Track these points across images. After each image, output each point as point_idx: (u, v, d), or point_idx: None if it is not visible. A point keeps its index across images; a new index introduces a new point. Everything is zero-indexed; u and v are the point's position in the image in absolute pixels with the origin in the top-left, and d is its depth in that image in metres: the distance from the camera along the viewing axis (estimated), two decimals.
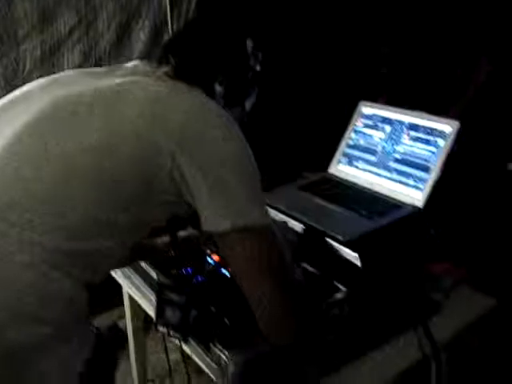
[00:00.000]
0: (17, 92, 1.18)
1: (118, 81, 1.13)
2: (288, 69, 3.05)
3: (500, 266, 2.09)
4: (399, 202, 1.64)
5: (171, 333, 1.29)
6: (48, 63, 2.57)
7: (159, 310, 1.31)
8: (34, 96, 1.14)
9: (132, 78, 1.16)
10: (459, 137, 1.58)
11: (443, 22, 2.89)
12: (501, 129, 2.49)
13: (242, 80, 1.26)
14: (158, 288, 1.33)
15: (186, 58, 1.23)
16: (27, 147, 1.03)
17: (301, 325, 1.14)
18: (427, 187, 1.59)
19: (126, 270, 1.61)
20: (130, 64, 1.24)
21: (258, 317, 1.10)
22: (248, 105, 1.32)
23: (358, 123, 1.89)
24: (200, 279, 1.42)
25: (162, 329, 1.30)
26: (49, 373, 1.00)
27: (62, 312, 1.02)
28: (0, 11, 2.38)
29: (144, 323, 2.05)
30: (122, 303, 2.02)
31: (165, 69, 1.21)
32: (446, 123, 1.62)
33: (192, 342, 1.29)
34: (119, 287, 1.88)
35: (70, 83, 1.16)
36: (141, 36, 2.81)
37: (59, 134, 1.04)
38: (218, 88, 1.22)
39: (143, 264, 1.54)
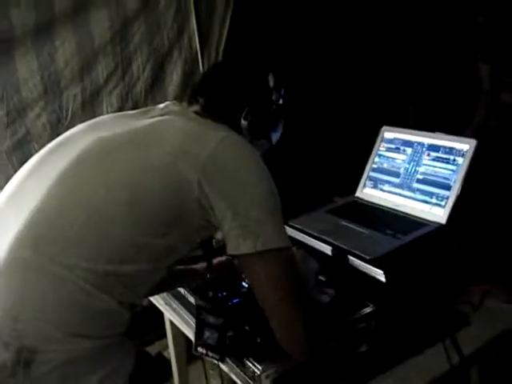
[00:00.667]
0: (61, 137, 1.31)
1: (151, 121, 1.25)
2: (312, 100, 3.14)
3: None
4: (423, 219, 1.70)
5: (209, 353, 1.36)
6: (89, 109, 2.72)
7: (198, 332, 1.39)
8: (77, 140, 1.25)
9: (163, 117, 1.27)
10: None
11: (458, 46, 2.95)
12: None
13: (265, 114, 1.35)
14: (196, 311, 1.41)
15: (212, 97, 1.35)
16: (68, 187, 1.15)
17: (314, 340, 1.22)
18: (449, 204, 1.65)
19: (166, 297, 1.70)
20: (161, 105, 1.34)
21: (275, 331, 1.19)
22: (274, 137, 1.41)
23: (381, 147, 1.96)
24: (235, 301, 1.51)
25: (200, 349, 1.38)
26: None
27: (106, 329, 1.13)
28: (44, 65, 2.55)
29: (187, 352, 2.12)
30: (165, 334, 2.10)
31: (194, 108, 1.34)
32: (463, 142, 1.68)
33: (228, 360, 1.37)
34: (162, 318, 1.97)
35: (107, 126, 1.28)
36: (174, 77, 2.93)
37: (98, 172, 1.16)
38: (244, 122, 1.31)
39: (182, 290, 1.64)
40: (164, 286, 1.52)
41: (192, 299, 1.58)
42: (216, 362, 1.37)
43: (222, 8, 2.97)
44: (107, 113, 2.69)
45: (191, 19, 2.90)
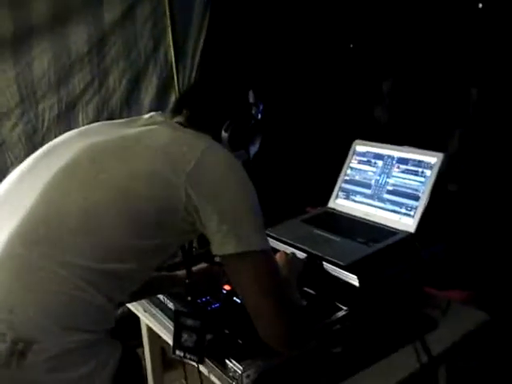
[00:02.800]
0: (56, 140, 1.36)
1: (139, 129, 1.32)
2: (288, 114, 3.23)
3: (492, 282, 2.20)
4: (393, 228, 1.78)
5: (187, 356, 1.42)
6: (65, 120, 2.75)
7: (176, 335, 1.44)
8: (71, 144, 1.30)
9: (149, 127, 1.33)
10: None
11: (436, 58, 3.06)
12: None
13: (245, 128, 1.43)
14: (174, 314, 1.47)
15: (197, 109, 1.42)
16: (62, 189, 1.20)
17: (298, 334, 1.28)
18: (417, 214, 1.74)
19: (145, 303, 1.74)
20: (147, 116, 1.41)
21: (259, 329, 1.24)
22: (252, 150, 1.50)
23: (353, 160, 2.05)
24: (214, 306, 1.57)
25: (178, 352, 1.43)
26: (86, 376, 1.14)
27: (96, 323, 1.18)
28: (22, 75, 2.57)
29: (162, 360, 2.15)
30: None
31: (177, 119, 1.41)
32: (431, 155, 1.78)
33: (208, 362, 1.41)
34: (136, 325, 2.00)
35: (99, 132, 1.34)
36: (149, 90, 2.98)
37: (90, 176, 1.20)
38: (224, 134, 1.39)
39: (161, 297, 1.68)
40: (146, 292, 1.57)
41: (171, 305, 1.62)
42: (195, 364, 1.42)
43: (198, 22, 3.03)
44: (83, 124, 2.72)
45: (167, 33, 2.96)
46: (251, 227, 1.22)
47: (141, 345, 2.09)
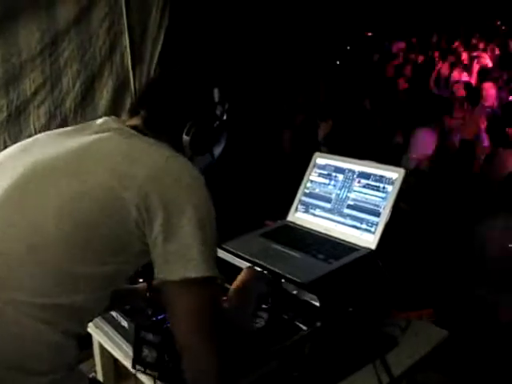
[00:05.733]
0: None
1: (87, 140, 1.20)
2: (252, 118, 3.19)
3: (450, 299, 2.21)
4: (353, 245, 1.74)
5: (148, 371, 1.37)
6: (15, 122, 2.62)
7: (136, 349, 1.38)
8: (14, 163, 1.21)
9: (101, 135, 1.22)
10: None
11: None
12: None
13: (208, 129, 1.32)
14: (135, 329, 1.40)
15: (155, 110, 1.30)
16: (5, 219, 1.11)
17: (226, 377, 1.19)
18: (378, 230, 1.71)
19: (97, 320, 1.66)
20: (99, 121, 1.30)
21: (186, 363, 1.16)
22: (216, 151, 1.39)
23: (313, 173, 2.00)
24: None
25: (138, 367, 1.38)
26: None
27: (54, 362, 1.09)
28: None
29: (114, 375, 2.08)
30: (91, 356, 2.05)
31: (134, 121, 1.30)
32: (392, 170, 1.75)
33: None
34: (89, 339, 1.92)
35: (43, 147, 1.23)
36: (104, 93, 2.90)
37: (34, 203, 1.12)
38: (186, 138, 1.28)
39: (114, 313, 1.60)
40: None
41: (125, 323, 1.55)
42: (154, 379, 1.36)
43: (156, 25, 2.97)
44: (34, 127, 2.62)
45: (124, 36, 2.88)
46: (200, 252, 1.12)
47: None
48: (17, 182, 1.14)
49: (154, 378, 1.35)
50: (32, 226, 1.09)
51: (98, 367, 2.05)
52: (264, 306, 1.55)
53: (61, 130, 1.35)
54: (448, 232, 2.43)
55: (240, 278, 1.50)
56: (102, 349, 1.92)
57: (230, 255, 1.76)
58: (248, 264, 1.68)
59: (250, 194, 2.94)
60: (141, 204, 1.10)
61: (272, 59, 3.28)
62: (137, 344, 1.38)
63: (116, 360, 1.98)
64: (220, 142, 1.38)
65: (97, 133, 1.24)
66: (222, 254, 1.77)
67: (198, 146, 1.30)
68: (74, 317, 1.12)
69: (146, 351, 1.38)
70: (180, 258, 1.10)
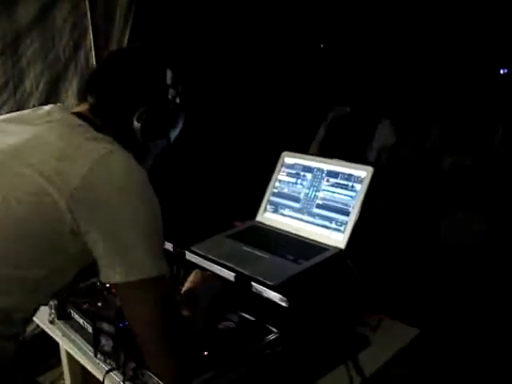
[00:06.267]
0: None
1: (26, 136, 1.15)
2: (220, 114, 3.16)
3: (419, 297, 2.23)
4: (323, 244, 1.73)
5: (107, 360, 1.39)
6: None
7: (95, 339, 1.40)
8: None
9: (40, 129, 1.17)
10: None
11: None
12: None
13: (161, 115, 1.26)
14: (91, 319, 1.42)
15: (101, 95, 1.24)
16: None
17: (187, 374, 1.20)
18: (348, 229, 1.69)
19: (63, 328, 1.62)
20: (44, 109, 1.24)
21: (147, 361, 1.18)
22: (173, 134, 1.34)
23: (282, 172, 1.98)
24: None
25: (99, 356, 1.40)
26: None
27: None
28: None
29: (84, 381, 2.04)
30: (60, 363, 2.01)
31: (81, 108, 1.24)
32: (361, 169, 1.74)
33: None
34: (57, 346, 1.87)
35: None
36: (69, 94, 2.84)
37: None
38: (137, 125, 1.22)
39: (81, 321, 1.56)
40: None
41: (90, 328, 1.51)
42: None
43: (121, 24, 2.91)
44: None
45: (88, 35, 2.82)
46: (143, 253, 1.09)
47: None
48: None
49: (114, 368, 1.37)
50: None
51: (66, 375, 2.00)
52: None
53: (7, 116, 1.29)
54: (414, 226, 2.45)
55: (189, 280, 1.50)
56: (70, 357, 1.87)
57: (198, 257, 1.72)
58: (216, 266, 1.66)
59: (218, 194, 2.91)
60: (74, 209, 1.06)
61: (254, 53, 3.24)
62: (95, 334, 1.39)
63: (84, 368, 1.96)
64: (176, 126, 1.33)
65: (37, 125, 1.19)
66: (190, 256, 1.75)
67: (150, 132, 1.25)
68: (3, 319, 1.11)
69: (103, 341, 1.39)
70: (121, 263, 1.08)
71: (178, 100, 1.30)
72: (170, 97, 1.27)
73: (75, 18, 2.77)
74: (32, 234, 1.07)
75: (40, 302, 1.22)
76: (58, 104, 1.27)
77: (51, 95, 2.77)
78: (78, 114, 1.22)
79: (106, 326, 1.37)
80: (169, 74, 1.27)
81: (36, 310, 1.24)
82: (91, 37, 2.82)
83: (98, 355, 1.41)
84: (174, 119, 1.30)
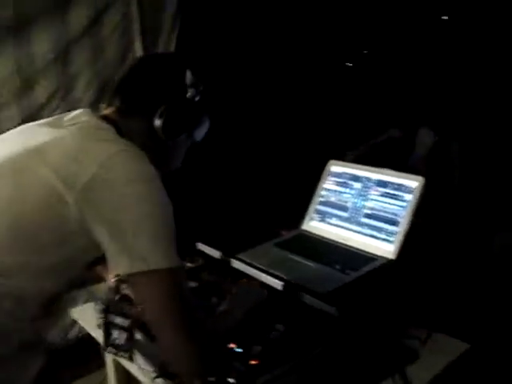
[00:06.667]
0: None
1: (52, 136, 1.22)
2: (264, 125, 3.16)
3: (471, 312, 2.17)
4: (371, 254, 1.71)
5: (119, 353, 1.44)
6: None
7: (106, 333, 1.46)
8: None
9: (66, 130, 1.24)
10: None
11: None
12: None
13: (180, 111, 1.31)
14: (104, 312, 1.48)
15: (125, 97, 1.32)
16: None
17: (206, 363, 1.22)
18: (397, 240, 1.67)
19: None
20: (76, 112, 1.32)
21: (160, 348, 1.22)
22: (198, 134, 1.40)
23: (328, 181, 1.97)
24: None
25: (110, 349, 1.47)
26: None
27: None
28: None
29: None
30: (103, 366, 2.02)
31: (108, 111, 1.32)
32: (411, 179, 1.71)
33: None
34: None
35: (7, 142, 1.29)
36: None
37: None
38: (157, 122, 1.28)
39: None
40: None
41: (138, 335, 1.53)
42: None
43: (168, 32, 2.95)
44: None
45: (136, 43, 2.86)
46: (151, 245, 1.13)
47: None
48: None
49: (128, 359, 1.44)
50: None
51: (111, 378, 2.02)
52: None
53: (32, 124, 1.36)
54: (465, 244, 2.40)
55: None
56: (115, 361, 1.89)
57: (244, 265, 1.72)
58: (263, 274, 1.65)
59: (264, 202, 2.91)
60: (82, 206, 1.12)
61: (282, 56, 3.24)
62: (106, 328, 1.46)
63: (128, 373, 1.97)
64: (199, 124, 1.38)
65: (63, 128, 1.25)
66: (236, 264, 1.75)
67: (171, 129, 1.30)
68: (16, 302, 1.17)
69: (115, 334, 1.46)
70: (129, 254, 1.13)
71: (197, 99, 1.35)
72: (190, 96, 1.32)
73: (124, 26, 2.81)
74: (43, 226, 1.14)
75: (55, 290, 1.26)
76: (86, 109, 1.33)
77: (99, 102, 2.81)
78: (104, 117, 1.29)
79: (119, 320, 1.44)
80: (188, 74, 1.33)
81: (54, 298, 1.28)
82: (139, 45, 2.86)
83: (109, 348, 1.46)
84: (195, 116, 1.36)
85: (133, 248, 1.12)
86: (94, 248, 1.18)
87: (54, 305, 1.33)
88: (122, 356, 1.42)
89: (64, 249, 1.18)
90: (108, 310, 1.47)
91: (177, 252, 1.18)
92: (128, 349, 1.42)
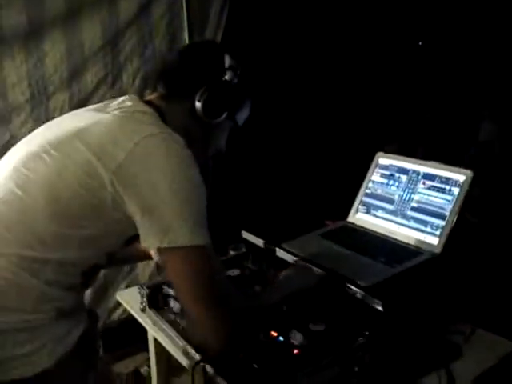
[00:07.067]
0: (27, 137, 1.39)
1: (95, 120, 1.29)
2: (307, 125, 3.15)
3: None
4: (417, 248, 1.70)
5: (177, 319, 1.58)
6: None
7: (165, 302, 1.66)
8: (30, 140, 1.35)
9: (109, 115, 1.30)
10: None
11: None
12: None
13: (220, 91, 1.35)
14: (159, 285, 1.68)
15: (168, 81, 1.37)
16: (12, 181, 1.26)
17: (233, 337, 1.25)
18: (444, 234, 1.65)
19: (153, 316, 1.68)
20: (122, 98, 1.37)
21: (188, 323, 1.31)
22: (241, 116, 1.45)
23: (375, 173, 1.96)
24: None
25: (170, 315, 1.62)
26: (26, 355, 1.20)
27: (35, 304, 1.22)
28: (33, 70, 2.49)
29: (168, 370, 2.09)
30: (144, 349, 2.06)
31: (152, 97, 1.38)
32: (459, 172, 1.69)
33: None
34: (142, 333, 1.93)
35: (57, 126, 1.34)
36: None
37: (31, 172, 1.25)
38: (198, 104, 1.33)
39: (172, 316, 1.63)
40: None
41: (184, 323, 1.56)
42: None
43: (215, 21, 2.95)
44: None
45: (183, 31, 2.87)
46: (180, 222, 1.18)
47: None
48: (22, 159, 1.28)
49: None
50: (23, 198, 1.23)
51: (153, 362, 2.06)
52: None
53: (91, 106, 1.43)
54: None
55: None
56: (157, 344, 1.93)
57: (289, 255, 1.73)
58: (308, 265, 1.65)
59: (308, 191, 2.91)
60: (116, 183, 1.18)
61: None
62: (163, 297, 1.66)
63: (170, 356, 2.01)
64: (241, 107, 1.43)
65: (107, 113, 1.31)
66: (281, 253, 1.76)
67: (211, 109, 1.35)
68: (56, 270, 1.23)
69: (171, 303, 1.62)
70: (159, 231, 1.18)
71: (236, 81, 1.38)
72: (229, 78, 1.36)
73: (171, 15, 2.83)
74: (80, 200, 1.20)
75: (94, 260, 1.32)
76: (133, 95, 1.38)
77: (146, 89, 2.84)
78: (148, 102, 1.35)
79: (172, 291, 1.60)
80: (227, 58, 1.37)
81: (94, 267, 1.35)
82: (186, 33, 2.87)
83: (169, 314, 1.62)
84: (235, 98, 1.40)
85: (162, 224, 1.17)
86: (128, 224, 1.23)
87: (93, 276, 1.40)
88: (179, 323, 1.55)
89: (99, 223, 1.23)
90: (164, 282, 1.64)
91: (207, 231, 1.22)
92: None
